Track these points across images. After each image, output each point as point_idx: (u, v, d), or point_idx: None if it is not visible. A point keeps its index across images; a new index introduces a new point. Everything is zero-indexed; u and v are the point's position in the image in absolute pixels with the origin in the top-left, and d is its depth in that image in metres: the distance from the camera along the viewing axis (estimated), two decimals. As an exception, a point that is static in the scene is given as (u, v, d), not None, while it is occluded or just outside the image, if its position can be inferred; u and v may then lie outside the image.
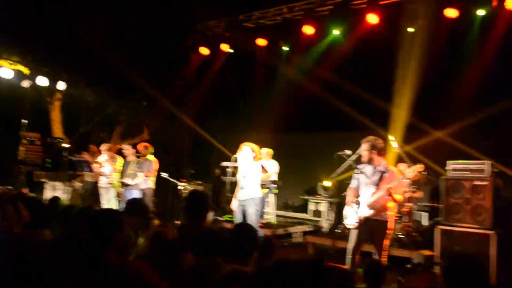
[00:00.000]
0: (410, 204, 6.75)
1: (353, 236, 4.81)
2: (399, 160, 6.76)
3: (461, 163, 6.12)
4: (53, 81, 9.78)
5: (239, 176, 5.78)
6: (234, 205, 5.72)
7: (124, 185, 6.59)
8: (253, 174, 5.64)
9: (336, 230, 6.86)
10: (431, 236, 6.05)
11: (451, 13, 7.59)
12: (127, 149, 6.93)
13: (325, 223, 8.81)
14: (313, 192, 9.55)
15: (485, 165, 5.86)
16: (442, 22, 7.77)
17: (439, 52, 8.04)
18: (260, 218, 8.09)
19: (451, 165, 6.14)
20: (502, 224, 5.76)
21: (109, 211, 2.99)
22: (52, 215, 3.59)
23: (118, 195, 6.49)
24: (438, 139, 8.23)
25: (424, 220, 7.67)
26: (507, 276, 5.28)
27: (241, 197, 5.62)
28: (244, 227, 2.91)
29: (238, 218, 5.65)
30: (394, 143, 6.36)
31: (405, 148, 6.86)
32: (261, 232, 5.56)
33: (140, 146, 7.27)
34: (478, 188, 5.78)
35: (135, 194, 6.76)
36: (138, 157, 7.12)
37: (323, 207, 9.02)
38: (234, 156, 5.82)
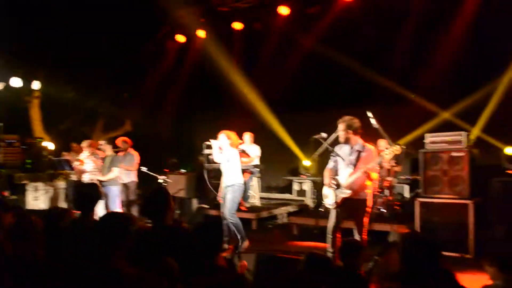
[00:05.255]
0: (391, 178, 6.84)
1: (332, 216, 4.88)
2: (379, 136, 6.78)
3: (438, 135, 6.20)
4: (29, 81, 9.61)
5: (220, 164, 5.87)
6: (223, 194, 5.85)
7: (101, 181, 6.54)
8: (231, 161, 5.72)
9: (319, 209, 6.93)
10: (413, 208, 6.17)
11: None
12: (103, 144, 6.87)
13: (310, 202, 8.93)
14: (296, 172, 9.62)
15: (462, 136, 5.95)
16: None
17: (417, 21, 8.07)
18: (245, 202, 8.20)
19: (428, 137, 6.22)
20: (479, 193, 5.89)
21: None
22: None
23: None
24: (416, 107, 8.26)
25: (407, 192, 7.82)
26: (485, 244, 5.42)
27: (223, 184, 5.80)
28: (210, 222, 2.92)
29: (223, 205, 5.80)
30: (372, 119, 6.37)
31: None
32: (236, 220, 5.59)
33: (119, 141, 7.20)
34: (455, 159, 5.87)
35: (114, 190, 6.70)
36: (117, 152, 7.05)
37: (307, 186, 9.11)
38: (206, 143, 5.88)
